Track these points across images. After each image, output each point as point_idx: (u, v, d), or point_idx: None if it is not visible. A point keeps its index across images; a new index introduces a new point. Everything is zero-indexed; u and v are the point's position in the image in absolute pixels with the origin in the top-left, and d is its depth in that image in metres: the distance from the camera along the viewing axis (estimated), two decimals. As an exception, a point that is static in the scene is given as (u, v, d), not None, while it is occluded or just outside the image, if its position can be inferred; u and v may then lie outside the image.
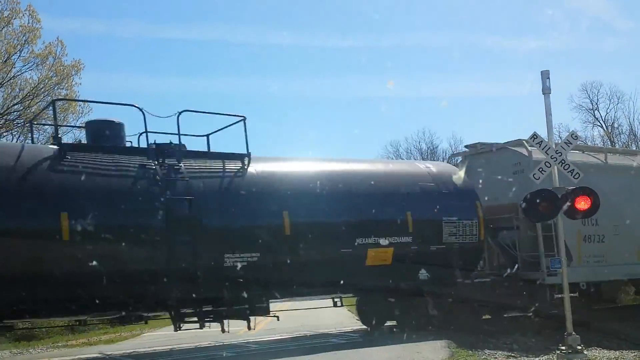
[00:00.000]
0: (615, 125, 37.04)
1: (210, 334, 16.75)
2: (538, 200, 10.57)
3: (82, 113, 26.80)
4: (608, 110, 38.57)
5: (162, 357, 12.29)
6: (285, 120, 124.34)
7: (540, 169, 11.19)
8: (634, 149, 32.59)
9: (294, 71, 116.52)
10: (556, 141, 11.44)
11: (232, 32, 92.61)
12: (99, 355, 13.25)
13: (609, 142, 36.43)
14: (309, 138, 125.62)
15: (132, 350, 13.68)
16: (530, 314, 14.73)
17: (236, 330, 17.72)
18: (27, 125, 21.76)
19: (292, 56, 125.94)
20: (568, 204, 10.52)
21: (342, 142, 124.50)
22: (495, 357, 11.19)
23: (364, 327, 16.81)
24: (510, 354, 11.86)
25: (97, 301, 10.40)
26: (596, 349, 11.93)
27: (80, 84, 28.67)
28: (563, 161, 11.04)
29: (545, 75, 11.26)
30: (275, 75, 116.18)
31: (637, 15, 76.32)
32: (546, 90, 11.23)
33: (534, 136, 11.15)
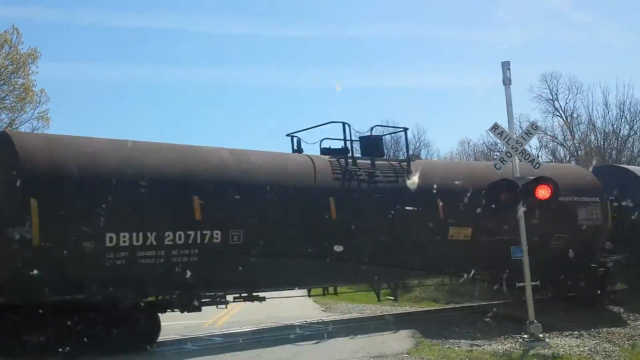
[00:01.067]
0: (575, 115, 37.64)
1: (173, 328, 16.59)
2: (499, 190, 10.67)
3: (38, 102, 26.40)
4: (567, 101, 39.16)
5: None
6: (241, 108, 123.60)
7: (502, 159, 11.30)
8: (592, 138, 33.31)
9: (253, 61, 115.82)
10: (517, 131, 11.54)
11: (190, 21, 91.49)
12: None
13: (568, 132, 37.07)
14: (267, 128, 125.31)
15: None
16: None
17: (200, 323, 17.60)
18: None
19: (250, 45, 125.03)
20: (528, 193, 10.64)
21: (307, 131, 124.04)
22: (459, 346, 11.28)
23: (330, 317, 16.84)
24: (473, 342, 11.98)
25: None
26: (557, 337, 12.11)
27: (37, 72, 28.04)
28: (524, 151, 11.15)
29: (505, 66, 11.35)
30: (233, 64, 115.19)
31: (593, 7, 77.90)
32: (507, 81, 11.32)
33: (495, 127, 11.24)
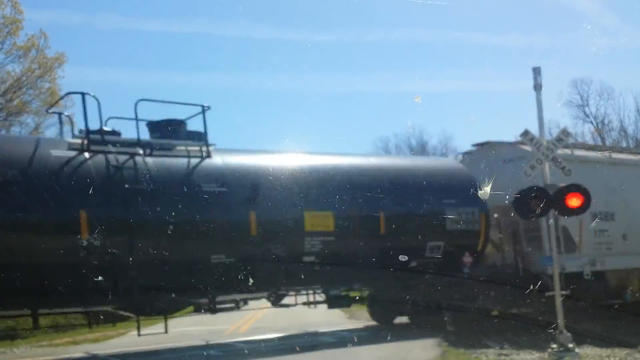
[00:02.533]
0: (606, 121, 37.03)
1: (197, 333, 16.60)
2: (529, 197, 10.45)
3: (64, 107, 26.72)
4: (598, 107, 38.54)
5: (149, 357, 12.06)
6: (269, 115, 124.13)
7: (532, 166, 11.09)
8: (624, 145, 32.63)
9: (278, 66, 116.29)
10: (547, 138, 11.31)
11: (215, 26, 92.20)
12: (85, 354, 13.01)
13: (599, 139, 36.45)
14: (295, 133, 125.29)
15: (119, 350, 13.46)
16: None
17: (223, 329, 17.60)
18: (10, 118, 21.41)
19: (276, 51, 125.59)
20: (559, 201, 10.42)
21: (332, 137, 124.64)
22: (487, 356, 11.06)
23: (355, 325, 16.71)
24: (501, 352, 11.75)
25: None
26: (588, 347, 11.82)
27: (64, 77, 28.39)
28: (555, 158, 10.94)
29: (536, 71, 11.14)
30: (257, 70, 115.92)
31: (619, 11, 76.75)
32: (538, 87, 11.11)
33: (526, 133, 11.04)
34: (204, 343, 13.79)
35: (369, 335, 14.06)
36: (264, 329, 16.74)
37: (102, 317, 24.86)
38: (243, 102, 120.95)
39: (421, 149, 57.18)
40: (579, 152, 16.53)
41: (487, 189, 14.41)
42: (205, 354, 12.19)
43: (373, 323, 17.29)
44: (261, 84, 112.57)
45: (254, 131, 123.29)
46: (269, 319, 21.26)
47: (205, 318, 21.72)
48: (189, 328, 18.35)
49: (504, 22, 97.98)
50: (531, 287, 12.78)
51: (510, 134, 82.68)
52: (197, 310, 13.98)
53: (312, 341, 13.32)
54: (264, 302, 14.07)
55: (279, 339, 14.07)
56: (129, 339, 16.81)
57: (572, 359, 9.98)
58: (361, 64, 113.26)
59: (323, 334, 14.70)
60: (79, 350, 13.90)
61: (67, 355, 12.86)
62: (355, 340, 13.42)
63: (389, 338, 13.35)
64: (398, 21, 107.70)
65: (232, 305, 23.30)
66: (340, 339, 13.56)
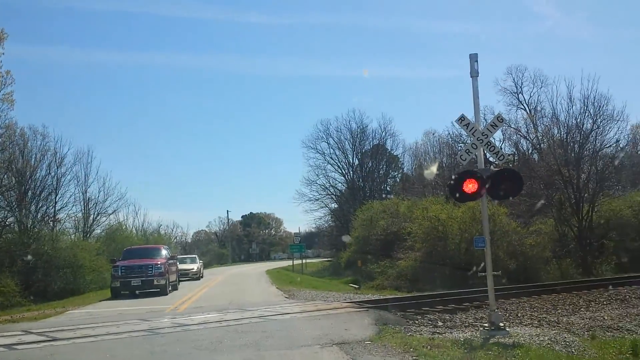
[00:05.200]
0: (539, 108, 38.24)
1: (135, 312, 16.41)
2: (463, 181, 10.74)
3: (3, 84, 25.88)
4: (532, 94, 39.80)
5: (85, 335, 11.84)
6: (216, 95, 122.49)
7: (467, 150, 11.38)
8: (555, 132, 33.79)
9: (221, 47, 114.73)
10: (482, 123, 11.61)
11: (159, 5, 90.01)
12: (22, 332, 12.69)
13: (531, 125, 37.62)
14: (241, 114, 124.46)
15: (56, 328, 13.18)
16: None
17: (163, 309, 17.45)
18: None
19: (218, 32, 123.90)
20: (494, 185, 10.74)
21: (276, 119, 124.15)
22: (421, 334, 11.40)
23: (294, 305, 16.86)
24: (435, 330, 12.12)
25: None
26: (518, 326, 12.33)
27: (3, 53, 27.52)
28: (489, 143, 11.25)
29: (473, 58, 11.38)
30: (206, 51, 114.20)
31: (559, 1, 79.15)
32: (474, 74, 11.36)
33: (462, 118, 11.30)
34: (139, 321, 13.62)
35: (307, 315, 14.23)
36: (203, 309, 16.69)
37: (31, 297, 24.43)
38: (181, 82, 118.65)
39: (361, 133, 57.69)
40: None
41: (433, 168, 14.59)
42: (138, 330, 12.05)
43: (311, 302, 17.50)
44: (203, 63, 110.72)
45: (194, 113, 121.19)
46: (208, 298, 21.23)
47: (143, 297, 21.46)
48: (127, 308, 18.14)
49: (442, 10, 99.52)
50: (474, 269, 13.21)
51: (448, 120, 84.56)
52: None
53: (252, 320, 13.37)
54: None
55: (219, 318, 14.05)
56: (66, 317, 16.52)
57: (502, 337, 10.34)
58: (303, 48, 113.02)
59: (263, 313, 14.74)
60: (17, 328, 13.55)
61: (6, 333, 12.50)
62: (294, 319, 13.58)
63: (326, 317, 13.56)
64: (341, 6, 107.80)
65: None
66: (278, 318, 13.66)
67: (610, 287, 19.85)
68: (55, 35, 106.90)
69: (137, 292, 23.22)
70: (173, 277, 25.78)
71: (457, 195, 11.14)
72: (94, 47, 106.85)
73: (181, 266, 36.79)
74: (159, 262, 23.81)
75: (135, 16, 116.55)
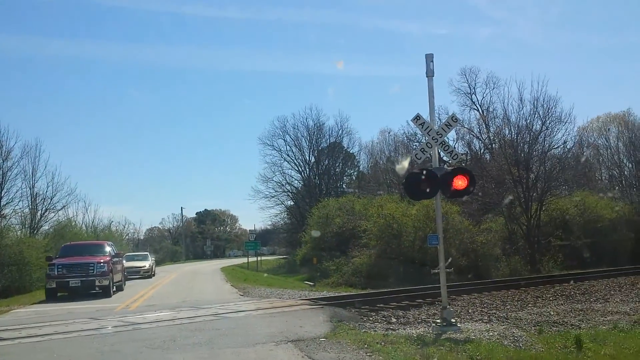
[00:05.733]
0: (491, 109, 39.06)
1: (84, 311, 16.05)
2: (418, 180, 10.87)
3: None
4: (484, 95, 40.63)
5: (32, 335, 11.51)
6: (167, 89, 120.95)
7: (422, 149, 11.52)
8: (506, 132, 34.59)
9: (177, 43, 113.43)
10: (437, 123, 11.78)
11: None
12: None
13: (484, 125, 38.39)
14: (197, 108, 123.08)
15: (0, 327, 12.75)
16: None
17: (114, 307, 17.12)
18: None
19: (176, 25, 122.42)
20: (447, 183, 10.91)
21: (232, 115, 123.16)
22: (375, 330, 11.50)
23: (248, 302, 16.79)
24: (388, 326, 12.25)
25: None
26: (469, 322, 12.56)
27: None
28: (444, 142, 11.41)
29: (429, 58, 11.51)
30: (164, 44, 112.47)
31: (509, 5, 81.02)
32: (430, 73, 11.49)
33: (417, 117, 11.44)
34: (89, 320, 13.34)
35: (262, 312, 14.19)
36: (155, 307, 16.45)
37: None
38: (133, 75, 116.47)
39: (318, 130, 57.79)
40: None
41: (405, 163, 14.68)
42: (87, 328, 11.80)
43: (266, 300, 17.45)
44: (150, 57, 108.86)
45: (149, 108, 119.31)
46: (161, 296, 20.94)
47: (90, 296, 20.94)
48: (77, 306, 17.73)
49: (398, 9, 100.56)
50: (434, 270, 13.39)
51: (404, 118, 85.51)
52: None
53: (206, 318, 13.24)
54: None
55: (172, 316, 13.87)
56: (11, 316, 16.01)
57: (454, 333, 10.53)
58: (259, 43, 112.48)
59: (217, 311, 14.62)
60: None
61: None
62: (249, 316, 13.52)
63: (281, 315, 13.55)
64: (299, 2, 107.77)
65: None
66: (232, 316, 13.58)
67: (573, 281, 20.40)
68: (1, 22, 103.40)
69: (75, 294, 20.88)
70: (118, 277, 23.71)
71: (412, 193, 11.28)
72: (40, 36, 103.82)
73: (132, 264, 35.70)
74: (102, 260, 21.44)
75: (90, 6, 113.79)
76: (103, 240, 32.34)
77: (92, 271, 20.90)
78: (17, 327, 12.70)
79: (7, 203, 34.86)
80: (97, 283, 20.96)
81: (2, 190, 34.12)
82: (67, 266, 21.03)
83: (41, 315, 15.37)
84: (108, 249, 23.76)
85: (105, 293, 21.07)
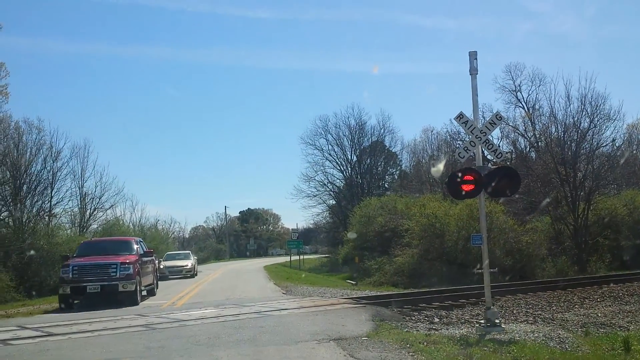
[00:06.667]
0: (537, 107, 38.26)
1: (131, 308, 16.46)
2: (461, 178, 10.78)
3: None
4: (530, 92, 39.79)
5: (81, 331, 11.88)
6: (210, 88, 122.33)
7: (465, 148, 11.42)
8: (553, 130, 33.89)
9: (224, 43, 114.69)
10: (480, 121, 11.63)
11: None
12: (17, 327, 12.73)
13: (529, 123, 37.69)
14: (241, 109, 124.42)
15: (52, 323, 13.21)
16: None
17: (160, 304, 17.49)
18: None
19: (213, 26, 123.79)
20: (492, 182, 10.78)
21: (275, 113, 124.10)
22: (417, 330, 11.45)
23: (291, 300, 16.91)
24: (431, 326, 12.18)
25: None
26: (513, 323, 12.40)
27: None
28: (487, 140, 11.28)
29: (472, 55, 11.39)
30: (194, 44, 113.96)
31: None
32: (473, 71, 11.36)
33: (460, 116, 11.33)
34: (136, 316, 13.67)
35: (305, 310, 14.28)
36: (200, 304, 16.73)
37: (34, 293, 24.29)
38: (177, 76, 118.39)
39: (359, 129, 57.72)
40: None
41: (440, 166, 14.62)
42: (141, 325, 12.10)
43: (308, 298, 17.56)
44: (196, 57, 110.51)
45: (193, 108, 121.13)
46: (205, 294, 21.27)
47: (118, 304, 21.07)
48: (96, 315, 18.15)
49: (438, 6, 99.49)
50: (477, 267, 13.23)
51: (447, 117, 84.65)
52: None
53: (250, 316, 13.41)
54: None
55: (216, 313, 14.10)
56: (63, 313, 16.51)
57: (498, 334, 10.40)
58: (302, 43, 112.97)
59: (261, 309, 14.80)
60: (12, 324, 13.58)
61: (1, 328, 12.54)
62: (291, 314, 13.63)
63: (323, 313, 13.62)
64: (339, 2, 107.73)
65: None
66: (276, 314, 13.71)
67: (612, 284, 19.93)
68: (51, 26, 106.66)
69: (95, 301, 17.67)
70: (148, 280, 20.51)
71: (455, 192, 11.19)
72: (89, 39, 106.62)
73: (173, 263, 35.86)
74: (127, 261, 17.95)
75: (132, 8, 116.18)
76: (151, 239, 32.69)
77: (114, 273, 17.52)
78: (68, 323, 13.12)
79: (57, 202, 35.92)
80: (120, 288, 17.47)
81: (52, 190, 35.17)
82: (85, 267, 17.66)
83: (91, 313, 15.76)
84: (135, 246, 20.15)
85: (131, 300, 17.70)
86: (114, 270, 17.53)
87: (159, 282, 23.72)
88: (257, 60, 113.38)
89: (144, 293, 19.86)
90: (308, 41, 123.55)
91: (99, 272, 17.54)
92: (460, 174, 10.90)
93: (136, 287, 17.92)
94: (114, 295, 17.53)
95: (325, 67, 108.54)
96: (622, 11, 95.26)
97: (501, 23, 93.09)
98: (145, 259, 20.04)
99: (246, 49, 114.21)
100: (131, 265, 17.87)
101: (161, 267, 32.30)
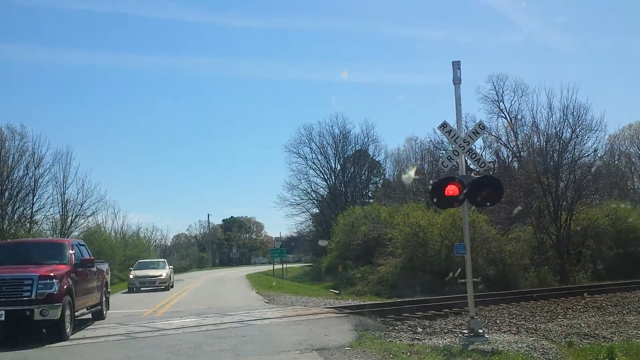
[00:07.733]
0: (519, 117, 38.58)
1: (111, 316, 16.22)
2: (444, 187, 10.76)
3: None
4: (512, 102, 40.16)
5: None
6: (197, 99, 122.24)
7: (449, 157, 11.42)
8: (535, 140, 34.13)
9: (206, 52, 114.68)
10: (464, 131, 11.63)
11: (141, 8, 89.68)
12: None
13: (512, 133, 37.96)
14: (224, 118, 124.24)
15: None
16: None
17: (140, 313, 17.27)
18: None
19: (204, 35, 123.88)
20: (475, 192, 10.77)
21: (257, 123, 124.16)
22: (400, 340, 11.39)
23: (273, 310, 16.78)
24: (414, 336, 12.12)
25: None
26: (496, 333, 12.37)
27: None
28: (471, 150, 11.29)
29: (456, 65, 11.42)
30: (188, 54, 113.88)
31: (532, 9, 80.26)
32: (457, 81, 11.39)
33: (444, 125, 11.33)
34: (116, 325, 13.46)
35: (287, 320, 14.16)
36: (181, 313, 16.54)
37: None
38: (160, 84, 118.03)
39: (343, 138, 57.76)
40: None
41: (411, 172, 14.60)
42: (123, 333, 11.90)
43: (291, 308, 17.42)
44: (184, 66, 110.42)
45: (175, 116, 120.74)
46: (186, 303, 21.05)
47: (120, 302, 21.13)
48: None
49: (422, 16, 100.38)
50: (451, 275, 13.17)
51: (430, 126, 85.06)
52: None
53: (232, 325, 13.27)
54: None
55: (198, 322, 13.93)
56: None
57: (482, 344, 10.36)
58: (285, 52, 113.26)
59: (242, 318, 14.65)
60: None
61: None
62: (274, 324, 13.51)
63: (306, 323, 13.51)
64: (322, 11, 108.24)
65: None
66: (258, 323, 13.58)
67: (586, 294, 20.06)
68: (34, 34, 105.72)
69: None
70: (93, 299, 14.36)
71: (439, 201, 11.16)
72: (72, 47, 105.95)
73: (145, 272, 30.64)
74: (50, 274, 11.56)
75: (116, 17, 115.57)
76: (133, 247, 31.57)
77: (28, 293, 11.23)
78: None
79: (39, 209, 35.50)
80: (37, 315, 11.13)
81: (34, 197, 34.76)
82: None
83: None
84: (69, 252, 13.34)
85: (54, 333, 11.55)
86: (29, 287, 11.25)
87: (115, 298, 19.95)
88: (241, 69, 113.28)
89: (88, 316, 14.55)
90: (292, 50, 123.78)
91: (5, 291, 11.21)
92: (443, 183, 10.88)
93: (63, 313, 11.56)
94: (27, 324, 11.34)
95: (310, 76, 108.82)
96: (606, 23, 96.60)
97: (486, 35, 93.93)
98: (85, 269, 13.55)
99: (232, 59, 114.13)
100: (56, 281, 11.53)
101: (131, 276, 30.20)
